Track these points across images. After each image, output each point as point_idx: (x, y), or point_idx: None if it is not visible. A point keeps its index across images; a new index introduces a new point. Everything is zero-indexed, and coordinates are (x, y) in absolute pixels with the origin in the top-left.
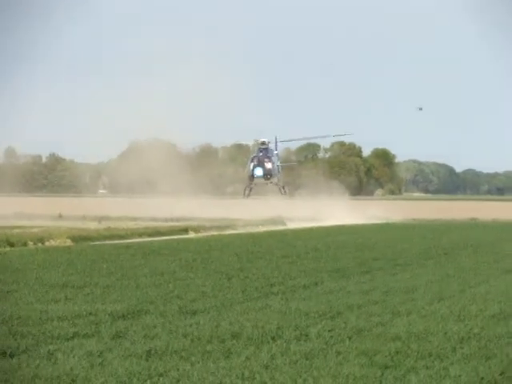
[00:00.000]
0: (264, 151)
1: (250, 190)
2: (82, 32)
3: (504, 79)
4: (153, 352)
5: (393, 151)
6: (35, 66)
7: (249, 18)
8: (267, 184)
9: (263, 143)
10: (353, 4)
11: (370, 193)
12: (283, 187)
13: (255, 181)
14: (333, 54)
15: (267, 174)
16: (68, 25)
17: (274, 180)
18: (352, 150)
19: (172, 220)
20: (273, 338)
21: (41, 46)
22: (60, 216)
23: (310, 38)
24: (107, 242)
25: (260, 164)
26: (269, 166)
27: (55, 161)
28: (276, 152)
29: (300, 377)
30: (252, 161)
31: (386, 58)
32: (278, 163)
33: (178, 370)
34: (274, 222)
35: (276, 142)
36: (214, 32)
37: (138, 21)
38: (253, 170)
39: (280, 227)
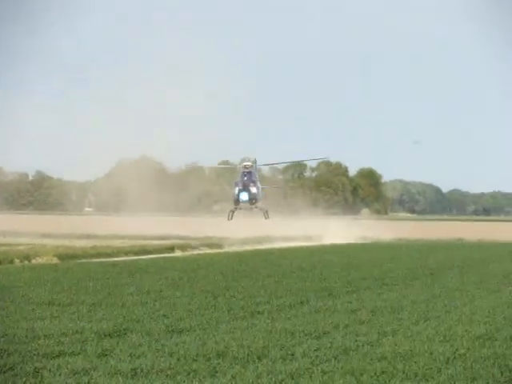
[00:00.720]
0: (248, 175)
1: (233, 213)
2: (69, 45)
3: (492, 100)
4: (138, 370)
5: (379, 171)
6: (23, 81)
7: (237, 41)
8: (252, 208)
9: (246, 167)
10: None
11: (356, 212)
12: (266, 212)
13: (240, 205)
14: (319, 74)
15: (252, 199)
16: (56, 37)
17: (259, 204)
18: (338, 170)
19: (158, 238)
20: (258, 358)
21: (28, 58)
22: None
23: (296, 59)
24: (94, 259)
25: (245, 189)
26: (254, 190)
27: (42, 179)
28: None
29: None
30: (237, 185)
31: (372, 78)
32: (259, 185)
33: None
34: (260, 240)
35: (255, 166)
36: (203, 52)
37: (128, 36)
38: (238, 194)
39: (266, 246)
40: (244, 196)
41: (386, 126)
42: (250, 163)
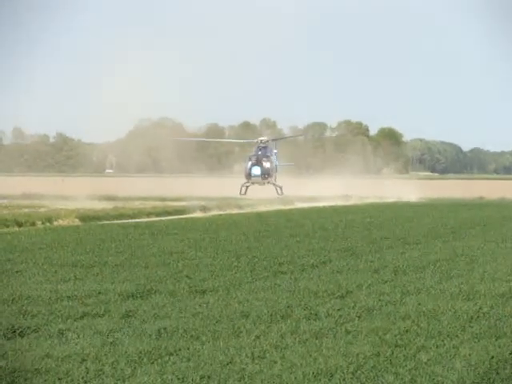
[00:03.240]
0: (263, 150)
1: (247, 188)
2: (85, 8)
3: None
4: (163, 331)
5: (400, 130)
6: (39, 45)
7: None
8: (264, 184)
9: (262, 141)
10: None
11: (377, 172)
12: (280, 188)
13: (252, 180)
14: (337, 31)
15: (265, 174)
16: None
17: (272, 180)
18: (359, 129)
19: (180, 199)
20: (282, 317)
21: (43, 25)
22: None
23: (313, 17)
24: (115, 221)
25: (258, 163)
26: (267, 165)
27: (62, 141)
28: (275, 151)
29: (310, 356)
30: (250, 159)
31: (393, 35)
32: (277, 162)
33: (188, 349)
34: (281, 201)
35: (275, 141)
36: (222, 13)
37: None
38: (250, 168)
39: (288, 206)
40: (256, 170)
41: (406, 85)
42: (265, 138)
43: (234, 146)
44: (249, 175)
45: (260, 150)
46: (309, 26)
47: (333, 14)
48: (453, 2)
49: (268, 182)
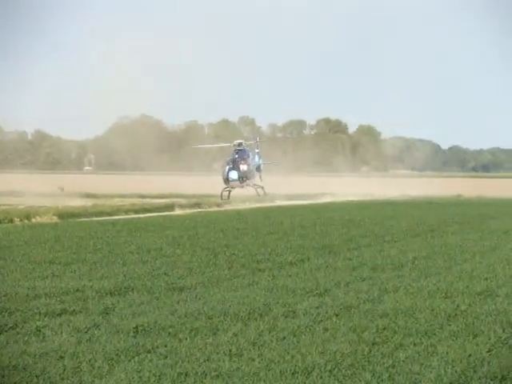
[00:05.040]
0: (240, 153)
1: (229, 193)
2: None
3: (491, 55)
4: (140, 329)
5: (378, 128)
6: (19, 40)
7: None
8: (243, 186)
9: (239, 144)
10: None
11: (356, 169)
12: (262, 188)
13: (230, 184)
14: (315, 28)
15: (242, 177)
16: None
17: (251, 182)
18: (338, 127)
19: (158, 197)
20: (260, 315)
21: (28, 19)
22: (62, 190)
23: (295, 15)
24: (94, 218)
25: (235, 167)
26: (244, 168)
27: (41, 137)
28: (257, 151)
29: (288, 353)
30: (228, 164)
31: (371, 33)
32: (261, 161)
33: (165, 346)
34: (259, 199)
35: (257, 142)
36: (202, 12)
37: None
38: (228, 173)
39: (266, 204)
40: (233, 175)
41: (385, 82)
42: (241, 141)
43: (214, 142)
44: (226, 180)
45: (237, 152)
46: (289, 23)
47: (313, 13)
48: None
49: (247, 185)
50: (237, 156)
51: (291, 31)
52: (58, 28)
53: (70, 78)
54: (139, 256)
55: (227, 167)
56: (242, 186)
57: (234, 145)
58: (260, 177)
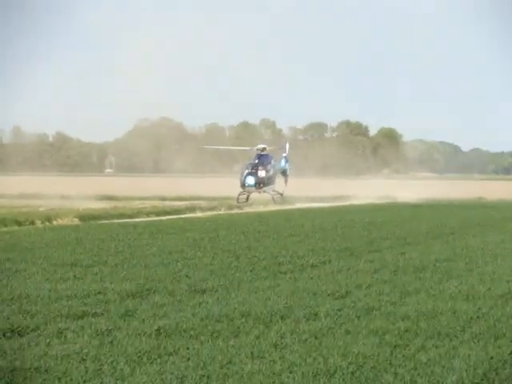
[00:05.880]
0: (261, 158)
1: (247, 197)
2: (84, 7)
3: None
4: (162, 331)
5: (399, 131)
6: (38, 42)
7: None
8: (260, 192)
9: (262, 149)
10: None
11: (377, 172)
12: (281, 194)
13: (246, 189)
14: (336, 30)
15: (259, 183)
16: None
17: (269, 189)
18: (359, 130)
19: (178, 199)
20: (282, 317)
21: (43, 21)
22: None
23: (317, 18)
24: (115, 220)
25: (253, 172)
26: (262, 174)
27: (62, 140)
28: (284, 155)
29: (310, 356)
30: (247, 168)
31: (393, 36)
32: (287, 166)
33: (187, 348)
34: (279, 201)
35: (286, 146)
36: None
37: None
38: (245, 177)
39: (287, 207)
40: (250, 180)
41: (406, 85)
42: (264, 146)
43: (234, 145)
44: (243, 185)
45: (258, 158)
46: (308, 24)
47: (332, 13)
48: (450, 4)
49: (264, 191)
50: (257, 161)
51: (312, 33)
52: (78, 29)
53: (89, 79)
54: (160, 258)
55: (246, 171)
56: (259, 192)
57: (257, 149)
58: (286, 181)
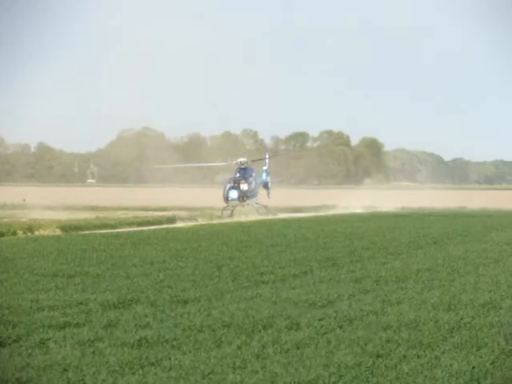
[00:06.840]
0: (242, 171)
1: (232, 212)
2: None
3: (493, 68)
4: (144, 341)
5: (381, 140)
6: (19, 53)
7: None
8: (243, 206)
9: (241, 163)
10: None
11: (359, 182)
12: (264, 206)
13: (230, 203)
14: (321, 42)
15: (243, 196)
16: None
17: (252, 201)
18: (340, 139)
19: (161, 209)
20: (264, 327)
21: (26, 33)
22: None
23: (303, 31)
24: (97, 231)
25: (235, 186)
26: (245, 187)
27: (44, 150)
28: (265, 168)
29: (292, 366)
30: (229, 182)
31: (375, 47)
32: (269, 179)
33: (169, 359)
34: (262, 211)
35: (265, 158)
36: (204, 20)
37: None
38: (228, 191)
39: (269, 217)
40: (233, 194)
41: (387, 95)
42: (245, 159)
43: (217, 156)
44: (226, 199)
45: (239, 171)
46: (293, 36)
47: (318, 27)
48: (438, 4)
49: (247, 204)
50: (238, 175)
51: (297, 42)
52: (62, 40)
53: (73, 90)
54: (142, 269)
55: (228, 185)
56: (243, 205)
57: (237, 163)
58: (268, 194)
